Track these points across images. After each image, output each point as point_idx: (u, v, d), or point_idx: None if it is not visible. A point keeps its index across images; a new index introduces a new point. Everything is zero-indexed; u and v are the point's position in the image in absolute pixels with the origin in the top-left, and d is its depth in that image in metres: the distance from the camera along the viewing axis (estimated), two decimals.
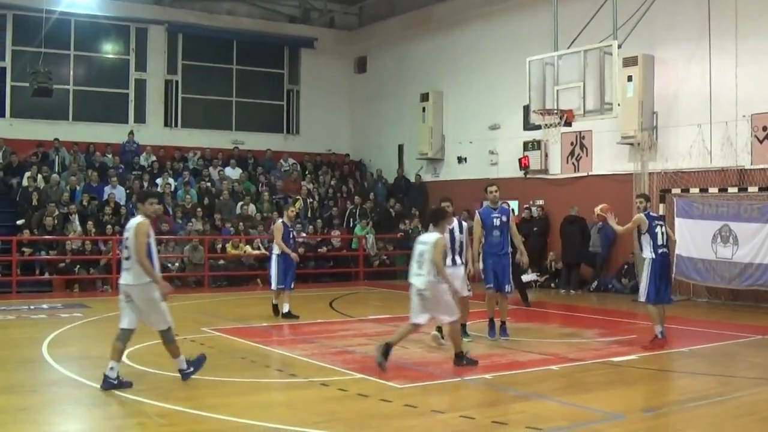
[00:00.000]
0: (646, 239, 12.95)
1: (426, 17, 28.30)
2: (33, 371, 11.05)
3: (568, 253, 22.11)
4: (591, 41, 18.21)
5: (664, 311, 13.22)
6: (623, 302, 19.50)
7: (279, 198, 27.18)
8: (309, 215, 26.66)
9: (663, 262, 12.94)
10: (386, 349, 10.74)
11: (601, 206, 13.79)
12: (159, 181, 26.04)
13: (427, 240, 10.85)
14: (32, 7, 25.30)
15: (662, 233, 12.95)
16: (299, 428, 7.91)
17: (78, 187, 24.44)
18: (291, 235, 17.19)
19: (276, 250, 16.69)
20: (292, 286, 16.79)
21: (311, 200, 27.09)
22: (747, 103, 18.62)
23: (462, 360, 11.19)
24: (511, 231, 13.63)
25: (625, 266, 21.23)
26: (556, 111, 18.20)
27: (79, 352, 12.80)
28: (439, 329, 12.75)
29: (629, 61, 20.06)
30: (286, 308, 16.57)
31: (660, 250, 12.90)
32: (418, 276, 10.81)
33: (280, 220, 17.34)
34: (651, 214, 13.22)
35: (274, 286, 16.73)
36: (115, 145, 27.19)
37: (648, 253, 12.95)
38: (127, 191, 24.70)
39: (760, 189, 17.87)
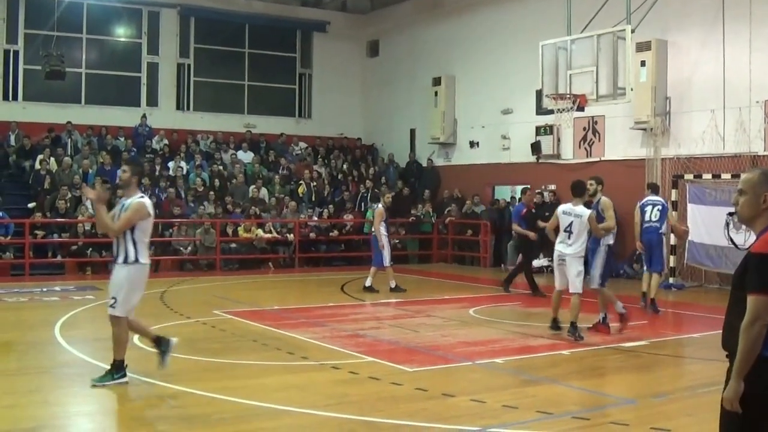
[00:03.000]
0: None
1: (438, 1, 28.23)
2: (45, 353, 11.12)
3: None
4: (604, 26, 18.14)
5: None
6: (635, 287, 19.46)
7: (292, 183, 27.24)
8: (313, 199, 26.63)
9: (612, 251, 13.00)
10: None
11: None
12: (171, 164, 26.09)
13: None
14: None
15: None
16: (310, 410, 7.94)
17: (90, 170, 24.46)
18: (387, 219, 19.02)
19: (383, 231, 18.34)
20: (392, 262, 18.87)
21: (314, 184, 27.05)
22: (760, 88, 18.51)
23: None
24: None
25: (637, 252, 21.14)
26: (568, 95, 18.15)
27: (92, 333, 12.84)
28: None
29: (642, 46, 19.96)
30: (393, 284, 18.23)
31: (613, 239, 13.01)
32: None
33: (380, 205, 18.96)
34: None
35: (387, 263, 18.38)
36: (128, 129, 27.20)
37: (610, 239, 12.96)
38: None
39: None
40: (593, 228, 12.09)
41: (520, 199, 20.78)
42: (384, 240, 18.34)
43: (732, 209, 4.64)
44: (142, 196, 9.42)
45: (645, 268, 15.94)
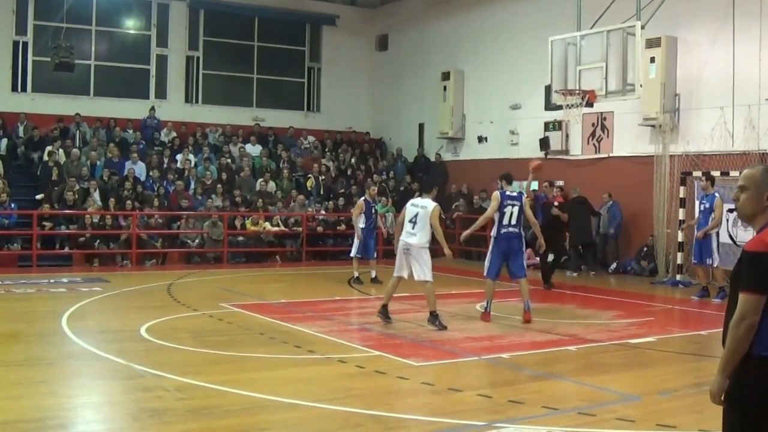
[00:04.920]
0: (496, 217, 13.52)
1: None
2: (53, 344, 11.14)
3: (579, 234, 21.58)
4: (614, 22, 18.10)
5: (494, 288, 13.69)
6: (642, 284, 19.47)
7: (299, 175, 27.29)
8: (321, 193, 26.69)
9: (504, 241, 13.47)
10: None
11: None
12: (179, 157, 26.13)
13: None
14: None
15: (511, 214, 13.45)
16: (316, 404, 7.95)
17: (98, 162, 24.53)
18: (373, 211, 19.28)
19: (361, 224, 18.71)
20: (375, 255, 19.32)
21: (323, 178, 27.10)
22: None
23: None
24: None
25: (644, 248, 21.14)
26: (577, 91, 18.12)
27: (99, 325, 12.91)
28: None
29: (652, 43, 19.91)
30: (373, 274, 18.85)
31: (503, 230, 13.44)
32: None
33: (362, 198, 19.38)
34: (506, 193, 13.62)
35: (352, 253, 18.99)
36: (136, 121, 27.27)
37: (493, 231, 13.64)
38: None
39: None
40: (432, 221, 12.58)
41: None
42: (358, 231, 18.76)
43: (732, 206, 4.63)
44: None
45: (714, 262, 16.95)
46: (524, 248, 13.92)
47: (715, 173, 18.91)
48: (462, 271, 21.73)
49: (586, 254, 21.88)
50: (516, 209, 13.48)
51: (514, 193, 13.69)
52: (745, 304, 4.17)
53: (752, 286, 4.16)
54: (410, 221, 12.69)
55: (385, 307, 12.93)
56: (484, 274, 13.73)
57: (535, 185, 20.44)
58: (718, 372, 4.31)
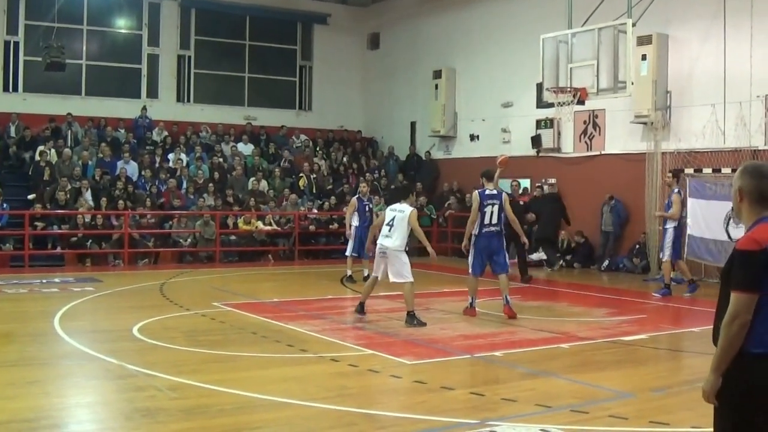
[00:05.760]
0: (478, 217, 13.63)
1: None
2: (45, 344, 11.12)
3: (543, 229, 21.93)
4: (605, 19, 18.10)
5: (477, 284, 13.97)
6: (634, 281, 19.49)
7: (292, 176, 27.29)
8: (314, 191, 26.70)
9: (485, 240, 13.64)
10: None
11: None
12: (171, 156, 26.11)
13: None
14: None
15: (491, 213, 13.60)
16: (309, 403, 7.95)
17: (90, 162, 24.49)
18: (367, 209, 19.14)
19: (355, 222, 18.74)
20: (370, 254, 18.77)
21: (315, 177, 27.12)
22: (761, 83, 18.48)
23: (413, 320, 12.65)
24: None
25: (637, 246, 21.18)
26: (569, 89, 18.12)
27: (91, 325, 12.90)
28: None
29: (643, 40, 19.94)
30: (365, 272, 18.06)
31: (484, 229, 13.61)
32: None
33: (355, 197, 19.53)
34: (485, 192, 13.73)
35: (348, 252, 18.95)
36: (128, 120, 27.20)
37: (474, 230, 13.71)
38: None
39: None
40: (411, 223, 12.89)
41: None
42: (351, 230, 18.86)
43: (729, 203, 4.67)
44: None
45: (674, 257, 17.00)
46: (505, 245, 14.00)
47: (707, 170, 19.01)
48: (454, 269, 21.71)
49: (547, 250, 22.12)
50: (496, 208, 13.64)
51: (494, 192, 13.80)
52: (737, 302, 4.16)
53: (744, 285, 4.16)
54: (387, 224, 12.92)
55: (361, 304, 13.38)
56: (469, 271, 13.84)
57: (507, 186, 20.70)
58: (710, 371, 4.30)
